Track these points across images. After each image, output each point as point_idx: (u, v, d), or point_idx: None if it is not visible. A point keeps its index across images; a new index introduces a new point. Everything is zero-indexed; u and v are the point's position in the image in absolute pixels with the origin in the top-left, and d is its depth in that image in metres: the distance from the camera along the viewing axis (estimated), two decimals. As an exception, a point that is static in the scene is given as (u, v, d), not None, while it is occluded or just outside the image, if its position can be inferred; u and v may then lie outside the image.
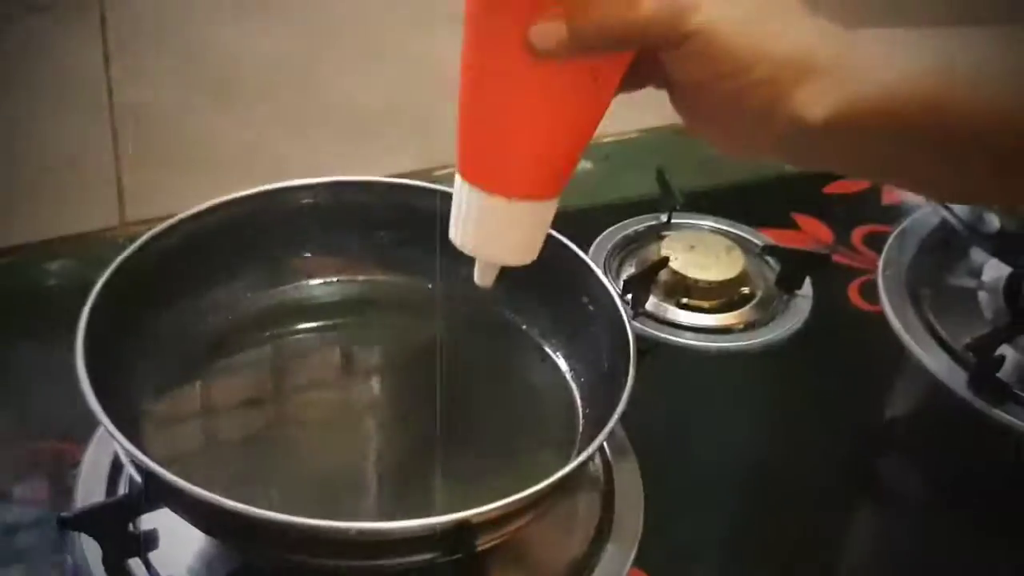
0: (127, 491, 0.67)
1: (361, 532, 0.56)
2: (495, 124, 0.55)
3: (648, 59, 0.52)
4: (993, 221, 0.75)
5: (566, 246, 0.72)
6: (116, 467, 0.69)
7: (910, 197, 1.00)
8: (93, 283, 0.77)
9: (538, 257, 0.70)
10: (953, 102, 0.50)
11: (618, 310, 0.67)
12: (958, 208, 0.80)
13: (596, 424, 0.67)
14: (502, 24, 0.51)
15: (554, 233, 0.71)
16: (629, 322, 0.66)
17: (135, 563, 0.63)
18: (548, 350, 0.74)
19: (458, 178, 0.57)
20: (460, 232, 0.59)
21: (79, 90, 0.87)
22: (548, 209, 0.58)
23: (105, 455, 0.69)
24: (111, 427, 0.57)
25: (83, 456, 0.69)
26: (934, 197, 0.83)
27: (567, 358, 0.73)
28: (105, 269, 0.82)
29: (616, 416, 0.60)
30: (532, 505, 0.58)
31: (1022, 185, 0.51)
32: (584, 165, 1.01)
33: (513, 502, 0.56)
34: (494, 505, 0.56)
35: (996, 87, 0.50)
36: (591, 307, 0.71)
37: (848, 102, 0.50)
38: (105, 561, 0.62)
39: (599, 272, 0.70)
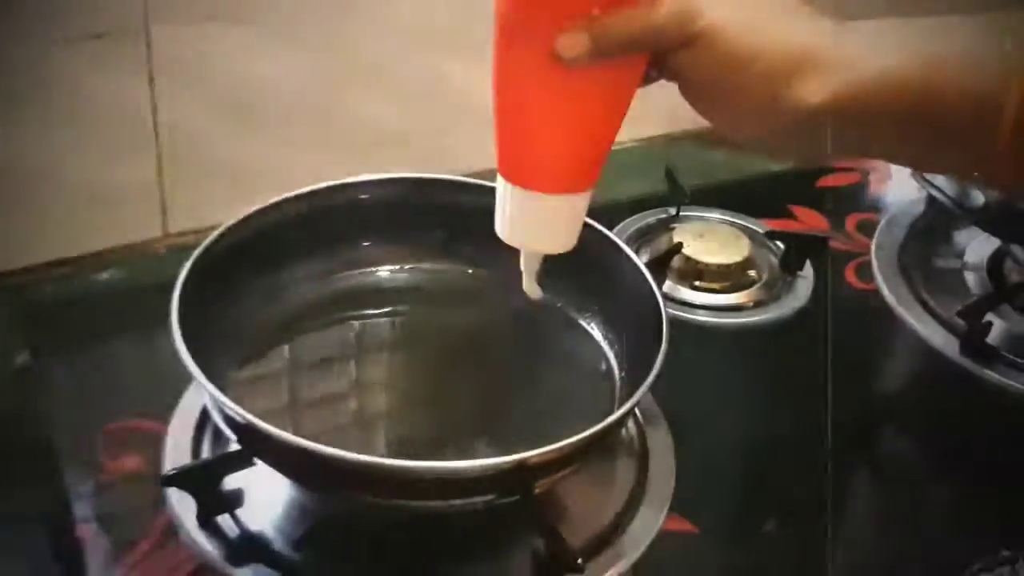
0: (212, 454, 0.73)
1: (432, 470, 0.61)
2: (530, 127, 0.59)
3: (661, 58, 0.56)
4: (978, 196, 0.83)
5: (596, 229, 0.77)
6: (198, 438, 0.74)
7: (896, 187, 1.08)
8: (141, 288, 0.84)
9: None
10: (938, 86, 0.53)
11: (648, 283, 0.73)
12: (945, 186, 0.87)
13: (632, 386, 0.71)
14: (530, 39, 0.55)
15: (585, 218, 0.79)
16: (659, 292, 0.71)
17: (224, 519, 0.68)
18: (583, 323, 0.79)
19: (500, 179, 0.62)
20: (506, 228, 0.64)
21: (126, 112, 0.91)
22: (584, 200, 0.63)
23: (186, 428, 0.75)
24: (208, 384, 0.62)
25: (166, 431, 0.75)
26: (924, 171, 0.89)
27: (601, 330, 0.79)
28: (150, 276, 0.90)
29: (653, 375, 0.66)
30: (582, 449, 0.64)
31: (1002, 161, 0.54)
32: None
33: (566, 445, 0.61)
34: (550, 447, 0.61)
35: (977, 71, 0.53)
36: (621, 283, 0.76)
37: (842, 90, 0.54)
38: (199, 517, 0.67)
39: (629, 251, 0.76)
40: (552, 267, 0.77)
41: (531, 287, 0.70)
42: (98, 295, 0.93)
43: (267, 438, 0.62)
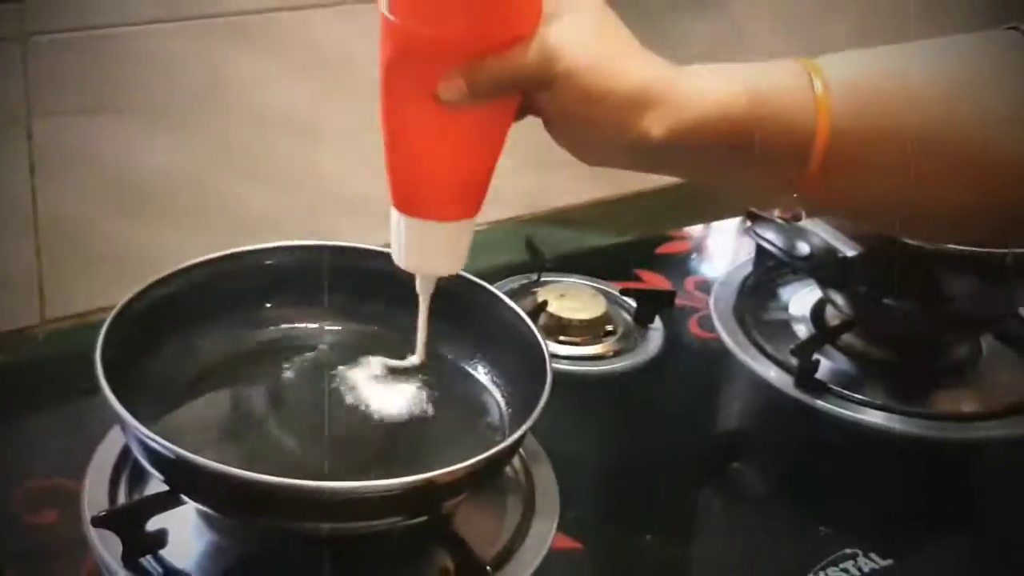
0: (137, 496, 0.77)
1: (344, 490, 0.67)
2: (417, 161, 0.64)
3: (528, 97, 0.62)
4: (803, 247, 0.94)
5: (480, 285, 0.85)
6: (112, 492, 0.77)
7: (725, 252, 1.21)
8: (22, 370, 0.90)
9: (460, 297, 0.85)
10: (760, 119, 0.60)
11: (530, 328, 0.80)
12: (775, 239, 0.98)
13: (521, 420, 0.77)
14: (412, 83, 0.61)
15: (468, 276, 0.84)
16: (542, 338, 0.79)
17: (147, 560, 0.71)
18: (471, 370, 0.86)
19: (393, 211, 0.67)
20: (400, 254, 0.69)
21: (6, 201, 0.93)
22: (469, 226, 0.68)
23: (99, 486, 0.77)
24: (134, 422, 0.67)
25: (82, 487, 0.77)
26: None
27: (488, 374, 0.85)
28: (30, 360, 0.94)
29: (542, 403, 0.73)
30: (484, 470, 0.70)
31: (814, 185, 0.61)
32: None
33: (470, 465, 0.68)
34: (457, 467, 0.67)
35: (793, 106, 0.60)
36: (505, 331, 0.83)
37: (677, 123, 0.59)
38: (124, 558, 0.70)
39: (512, 304, 0.83)
40: (442, 318, 0.84)
41: (420, 351, 0.78)
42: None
43: (194, 469, 0.66)
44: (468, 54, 0.59)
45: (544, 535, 0.78)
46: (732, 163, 0.62)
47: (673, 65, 0.61)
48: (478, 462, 0.69)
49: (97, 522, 0.71)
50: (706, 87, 0.61)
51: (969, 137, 0.61)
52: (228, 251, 0.84)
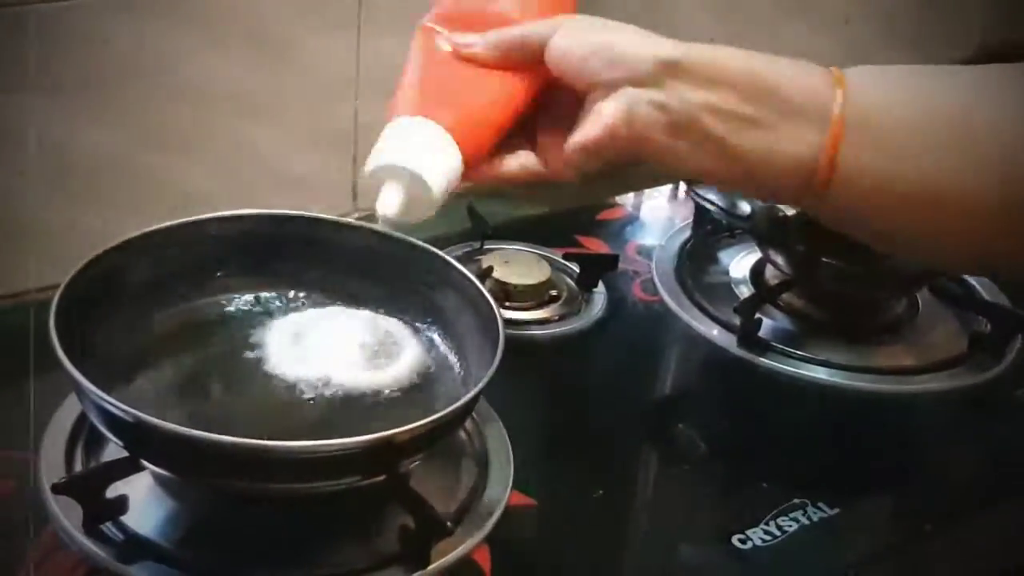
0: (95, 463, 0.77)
1: (303, 448, 0.67)
2: (447, 79, 0.70)
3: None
4: (744, 206, 0.96)
5: (434, 252, 0.86)
6: (68, 462, 0.78)
7: (664, 218, 1.23)
8: None
9: (409, 264, 0.86)
10: (773, 77, 0.63)
11: (484, 296, 0.81)
12: (716, 199, 1.00)
13: (474, 382, 0.79)
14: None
15: (411, 239, 0.85)
16: (494, 302, 0.80)
17: (108, 527, 0.72)
18: (426, 333, 0.87)
19: (396, 120, 0.69)
20: (388, 151, 0.68)
21: None
22: (458, 163, 0.69)
23: (55, 456, 0.78)
24: (92, 387, 0.67)
25: (39, 457, 0.77)
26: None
27: (441, 338, 0.86)
28: None
29: (496, 363, 0.74)
30: (442, 428, 0.72)
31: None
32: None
33: (428, 422, 0.69)
34: (415, 424, 0.68)
35: (793, 68, 0.64)
36: (456, 296, 0.85)
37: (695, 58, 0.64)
38: (86, 525, 0.71)
39: (463, 268, 0.84)
40: (393, 284, 0.87)
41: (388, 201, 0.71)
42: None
43: (152, 431, 0.67)
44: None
45: (499, 493, 0.80)
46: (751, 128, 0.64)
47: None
48: (434, 420, 0.71)
49: (58, 489, 0.71)
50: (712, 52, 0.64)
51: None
52: (177, 221, 0.84)
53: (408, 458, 0.73)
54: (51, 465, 0.78)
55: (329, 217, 0.89)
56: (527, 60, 0.69)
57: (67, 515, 0.73)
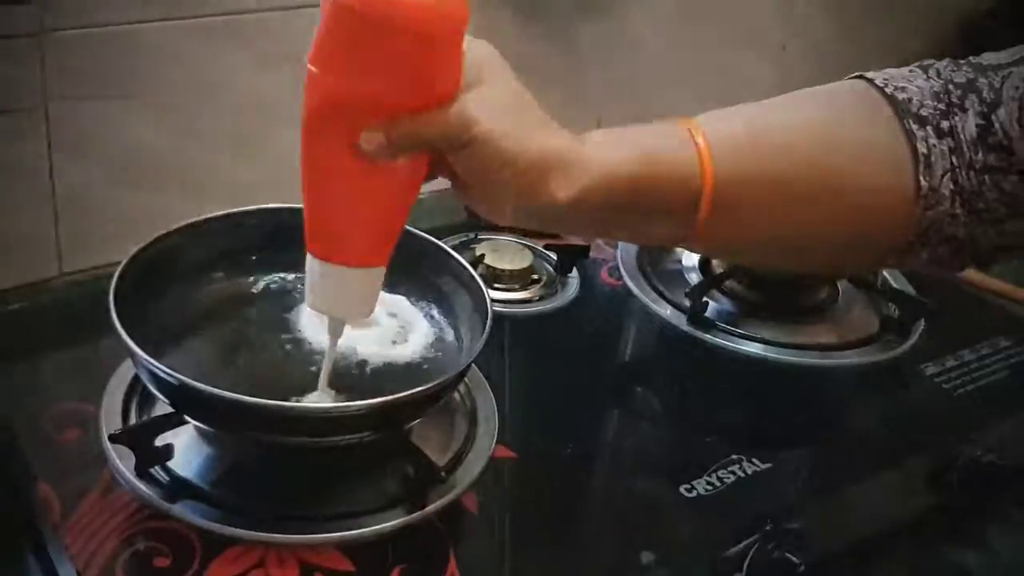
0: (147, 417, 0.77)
1: (321, 410, 0.68)
2: (335, 209, 0.59)
3: (440, 159, 0.57)
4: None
5: (434, 241, 0.85)
6: (124, 415, 0.77)
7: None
8: (48, 315, 0.91)
9: (413, 252, 0.85)
10: (655, 176, 0.58)
11: (476, 280, 0.81)
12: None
13: (468, 353, 0.79)
14: (335, 135, 0.55)
15: (415, 231, 0.83)
16: (485, 287, 0.80)
17: (156, 470, 0.72)
18: (426, 310, 0.86)
19: (308, 255, 0.62)
20: (313, 297, 0.63)
21: (26, 174, 0.92)
22: (379, 274, 0.63)
23: (113, 410, 0.77)
24: (143, 354, 0.67)
25: (99, 410, 0.77)
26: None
27: (439, 314, 0.85)
28: (52, 306, 0.95)
29: (485, 333, 0.74)
30: (440, 393, 0.72)
31: (700, 232, 0.59)
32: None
33: (428, 388, 0.69)
34: (416, 390, 0.69)
35: (680, 164, 0.58)
36: (452, 280, 0.84)
37: (582, 187, 0.56)
38: (137, 468, 0.71)
39: (457, 255, 0.84)
40: (401, 268, 0.84)
41: (334, 332, 0.69)
42: (8, 323, 0.94)
43: (193, 393, 0.67)
44: (389, 110, 0.54)
45: (486, 447, 0.79)
46: (632, 219, 0.60)
47: (576, 136, 0.58)
48: (430, 388, 0.71)
49: (113, 439, 0.71)
50: (605, 152, 0.57)
51: (834, 173, 0.60)
52: (220, 212, 0.84)
53: (410, 418, 0.73)
54: (110, 417, 0.78)
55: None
56: (434, 154, 0.58)
57: (122, 460, 0.73)
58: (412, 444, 0.73)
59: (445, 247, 0.86)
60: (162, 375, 0.68)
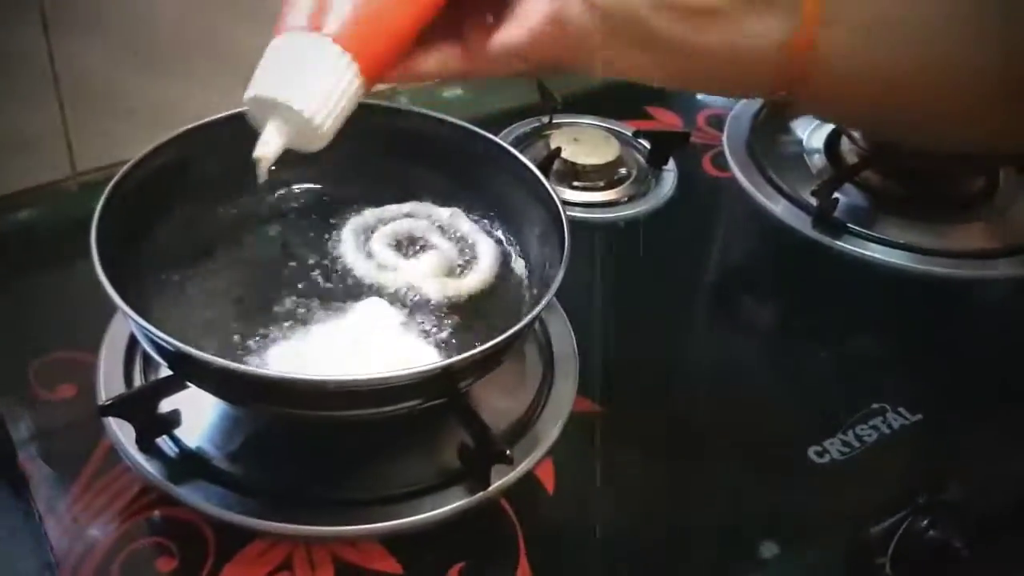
0: (145, 381, 0.65)
1: (359, 383, 0.55)
2: None
3: None
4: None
5: (491, 140, 0.70)
6: (129, 364, 0.66)
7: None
8: (57, 224, 0.74)
9: (462, 150, 0.70)
10: None
11: (547, 190, 0.66)
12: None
13: (537, 282, 0.67)
14: None
15: (479, 130, 0.70)
16: (558, 200, 0.65)
17: (163, 441, 0.61)
18: (487, 228, 0.72)
19: (278, 38, 0.52)
20: (259, 81, 0.53)
21: (24, 61, 0.81)
22: (352, 87, 0.53)
23: (116, 357, 0.66)
24: (133, 314, 0.54)
25: (98, 360, 0.66)
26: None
27: (504, 233, 0.72)
28: (64, 214, 0.81)
29: (558, 279, 0.59)
30: (500, 352, 0.58)
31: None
32: (455, 91, 1.01)
33: (485, 348, 0.56)
34: (471, 353, 0.56)
35: None
36: (518, 188, 0.69)
37: None
38: (138, 441, 0.60)
39: (526, 160, 0.68)
40: (455, 175, 0.72)
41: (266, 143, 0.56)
42: (15, 234, 0.83)
43: (195, 362, 0.54)
44: None
45: (564, 398, 0.66)
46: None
47: None
48: (491, 346, 0.57)
49: (104, 411, 0.60)
50: None
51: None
52: (226, 113, 0.68)
53: (465, 381, 0.59)
54: (109, 374, 0.66)
55: (384, 103, 0.72)
56: None
57: (121, 428, 0.61)
58: (472, 412, 0.59)
59: (509, 148, 0.70)
60: (159, 340, 0.55)
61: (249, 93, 0.53)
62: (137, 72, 0.86)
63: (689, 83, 0.52)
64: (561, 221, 0.64)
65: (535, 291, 0.67)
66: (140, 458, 0.61)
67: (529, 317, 0.58)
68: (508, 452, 0.57)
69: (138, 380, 0.66)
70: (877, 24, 0.47)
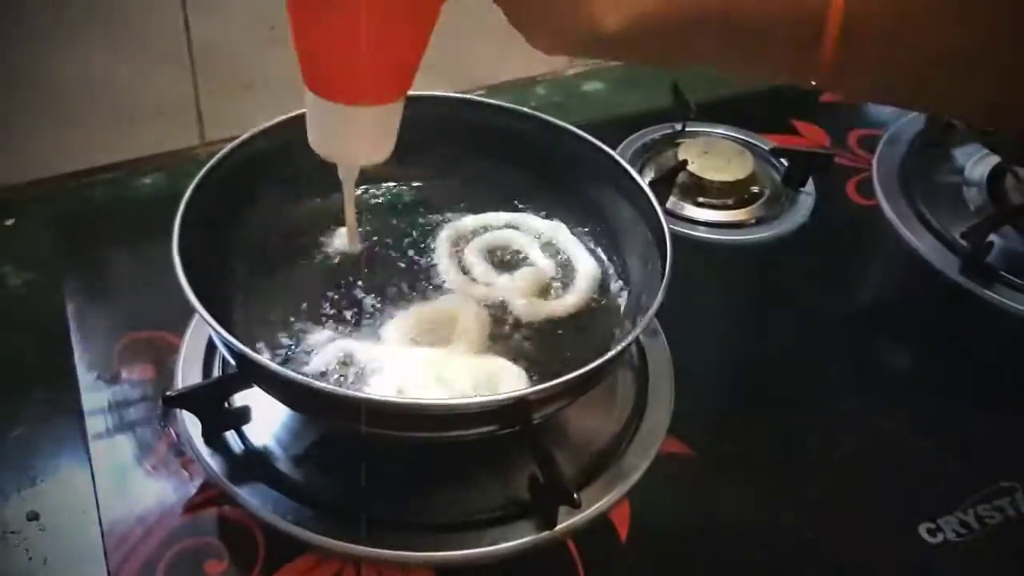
0: (221, 373, 0.64)
1: (431, 408, 0.53)
2: (326, 34, 0.49)
3: None
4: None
5: (598, 147, 0.66)
6: (211, 351, 0.65)
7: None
8: (180, 192, 0.74)
9: (570, 158, 0.66)
10: None
11: (653, 206, 0.61)
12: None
13: (634, 307, 0.63)
14: None
15: (588, 137, 0.67)
16: (664, 218, 0.60)
17: (230, 435, 0.60)
18: (584, 240, 0.68)
19: (308, 92, 0.52)
20: (314, 137, 0.54)
21: (160, 30, 0.82)
22: (389, 113, 0.53)
23: (200, 341, 0.66)
24: (208, 317, 0.53)
25: (182, 344, 0.66)
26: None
27: (603, 248, 0.68)
28: (190, 181, 0.79)
29: (655, 307, 0.55)
30: (578, 386, 0.54)
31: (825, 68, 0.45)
32: (596, 85, 0.97)
33: (565, 381, 0.52)
34: (549, 384, 0.52)
35: None
36: (624, 203, 0.65)
37: (634, 9, 0.45)
38: (204, 434, 0.59)
39: (634, 172, 0.64)
40: (559, 184, 0.68)
41: (351, 238, 0.62)
42: (141, 199, 0.83)
43: (254, 365, 0.53)
44: None
45: (651, 439, 0.62)
46: (704, 47, 0.46)
47: None
48: (568, 380, 0.53)
49: (169, 401, 0.58)
50: None
51: None
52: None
53: (542, 411, 0.56)
54: (188, 359, 0.66)
55: (490, 101, 0.69)
56: None
57: (191, 420, 0.61)
58: (541, 442, 0.55)
59: (618, 158, 0.66)
60: (223, 339, 0.53)
61: (314, 147, 0.55)
62: (271, 46, 0.85)
63: (717, 44, 0.47)
64: (665, 242, 0.59)
65: (634, 316, 0.62)
66: (205, 451, 0.60)
67: (612, 353, 0.53)
68: (576, 496, 0.53)
69: (217, 370, 0.65)
70: None
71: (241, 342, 0.52)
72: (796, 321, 0.73)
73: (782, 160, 0.85)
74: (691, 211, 0.80)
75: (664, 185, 0.77)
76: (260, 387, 0.56)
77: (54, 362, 0.66)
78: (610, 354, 0.53)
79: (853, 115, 0.94)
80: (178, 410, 0.61)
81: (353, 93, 0.51)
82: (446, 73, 0.93)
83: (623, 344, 0.54)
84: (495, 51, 0.93)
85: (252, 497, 0.57)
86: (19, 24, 0.77)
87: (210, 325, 0.53)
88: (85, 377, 0.65)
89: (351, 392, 0.54)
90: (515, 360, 0.61)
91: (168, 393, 0.58)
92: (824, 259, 0.79)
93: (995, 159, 0.84)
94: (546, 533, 0.56)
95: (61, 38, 0.78)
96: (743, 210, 0.81)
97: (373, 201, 0.71)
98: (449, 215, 0.69)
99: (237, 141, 0.65)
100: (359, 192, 0.70)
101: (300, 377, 0.53)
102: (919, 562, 0.58)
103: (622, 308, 0.65)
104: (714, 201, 0.81)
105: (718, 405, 0.67)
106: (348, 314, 0.63)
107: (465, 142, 0.69)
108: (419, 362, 0.60)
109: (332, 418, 0.56)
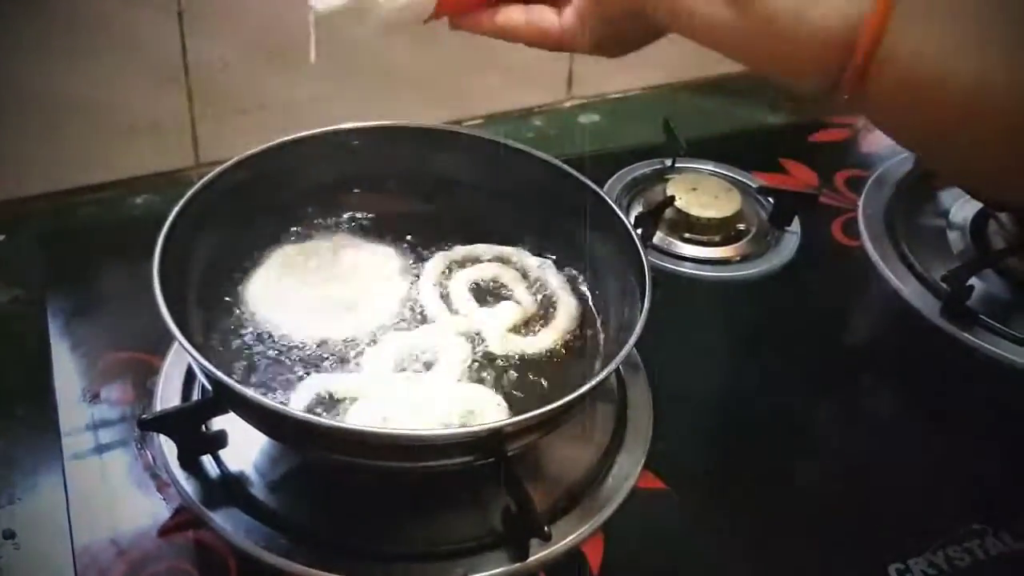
0: (199, 397, 0.64)
1: (405, 438, 0.53)
2: None
3: None
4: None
5: (584, 184, 0.67)
6: (191, 375, 0.66)
7: (886, 145, 0.95)
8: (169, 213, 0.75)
9: (556, 193, 0.67)
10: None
11: (635, 243, 0.62)
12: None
13: (615, 341, 0.63)
14: None
15: (571, 171, 0.68)
16: (645, 255, 0.61)
17: (207, 459, 0.61)
18: (566, 273, 0.70)
19: None
20: None
21: (158, 51, 0.83)
22: None
23: (181, 364, 0.66)
24: (183, 340, 0.54)
25: (162, 365, 0.67)
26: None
27: (586, 282, 0.69)
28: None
29: (631, 341, 0.56)
30: (554, 418, 0.55)
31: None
32: (592, 117, 0.98)
33: (540, 414, 0.53)
34: (524, 416, 0.53)
35: None
36: (607, 238, 0.66)
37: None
38: (180, 457, 0.60)
39: (617, 208, 0.65)
40: (548, 222, 0.70)
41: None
42: (131, 219, 0.84)
43: (229, 392, 0.53)
44: None
45: (627, 473, 0.63)
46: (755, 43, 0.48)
47: None
48: (547, 411, 0.53)
49: (144, 424, 0.59)
50: None
51: None
52: (305, 133, 0.68)
53: (516, 444, 0.56)
54: (168, 380, 0.67)
55: (488, 136, 0.70)
56: None
57: (167, 443, 0.61)
58: (514, 474, 0.56)
59: (601, 192, 0.67)
60: (197, 363, 0.54)
61: None
62: (267, 70, 0.87)
63: (752, 51, 0.49)
64: (644, 278, 0.60)
65: (614, 351, 0.63)
66: (180, 475, 0.60)
67: (587, 387, 0.54)
68: (547, 529, 0.54)
69: (196, 393, 0.65)
70: (958, 21, 0.43)
71: (218, 367, 0.53)
72: (778, 359, 0.74)
73: (769, 199, 0.86)
74: (678, 247, 0.81)
75: (651, 220, 0.78)
76: (236, 413, 0.56)
77: (36, 380, 0.67)
78: (584, 388, 0.54)
79: (842, 156, 0.95)
80: (155, 433, 0.62)
81: None
82: (444, 101, 0.95)
83: (597, 379, 0.54)
84: (494, 81, 0.94)
85: (226, 523, 0.58)
86: (14, 41, 0.78)
87: (186, 349, 0.54)
88: (64, 396, 0.66)
89: (324, 420, 0.55)
90: (494, 391, 0.61)
91: (143, 416, 0.58)
92: (808, 298, 0.80)
93: (979, 204, 0.85)
94: (518, 564, 0.56)
95: (55, 56, 0.79)
96: (729, 247, 0.82)
97: (367, 226, 0.72)
98: (441, 245, 0.70)
99: (223, 167, 0.66)
100: (345, 216, 0.72)
101: (275, 405, 0.53)
102: (887, 604, 0.58)
103: (602, 343, 0.65)
104: (701, 237, 0.82)
105: (696, 442, 0.67)
106: (331, 341, 0.64)
107: (454, 173, 0.70)
108: (399, 391, 0.61)
109: (307, 446, 0.56)
